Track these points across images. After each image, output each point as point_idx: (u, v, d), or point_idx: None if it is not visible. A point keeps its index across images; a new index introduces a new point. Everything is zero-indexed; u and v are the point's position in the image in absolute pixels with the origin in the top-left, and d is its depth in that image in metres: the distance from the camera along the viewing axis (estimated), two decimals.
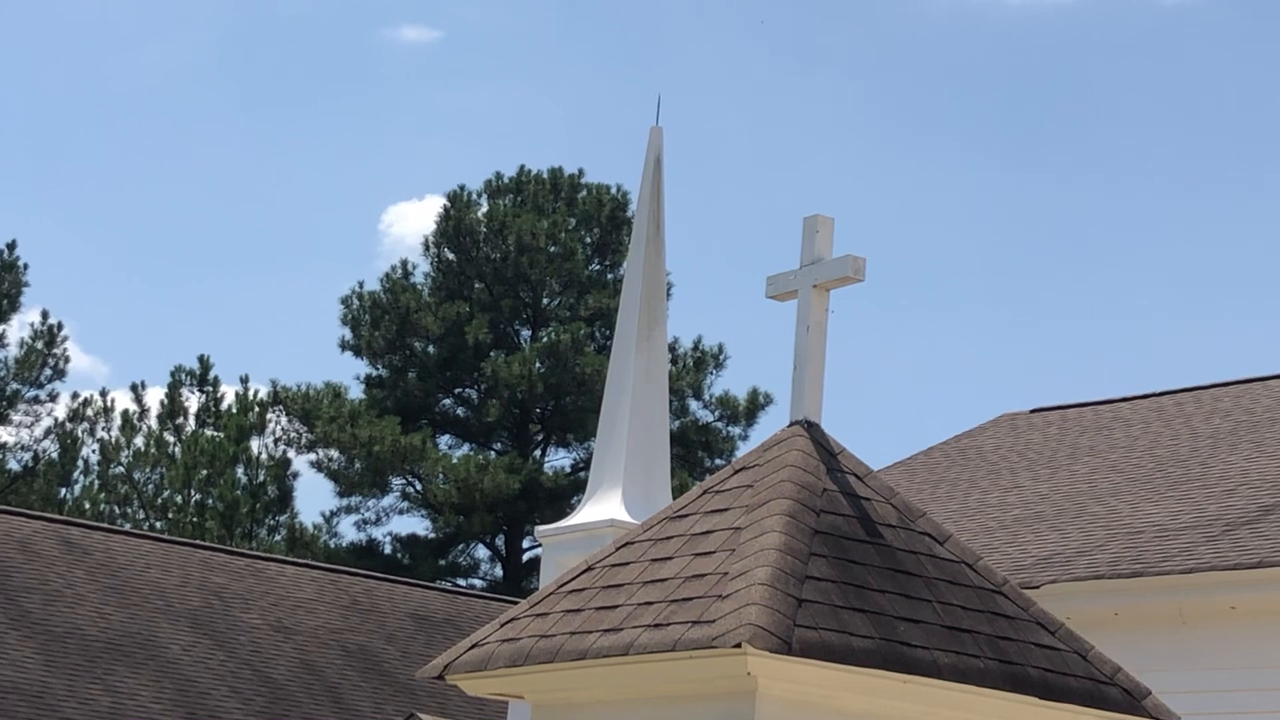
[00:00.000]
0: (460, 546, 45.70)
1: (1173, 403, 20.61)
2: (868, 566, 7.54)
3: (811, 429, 8.12)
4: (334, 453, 43.83)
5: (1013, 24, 58.97)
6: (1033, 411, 22.36)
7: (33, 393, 44.09)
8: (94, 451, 44.28)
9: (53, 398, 44.29)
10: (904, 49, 59.81)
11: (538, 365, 43.74)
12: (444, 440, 45.81)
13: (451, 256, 45.83)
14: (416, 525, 45.70)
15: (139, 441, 44.32)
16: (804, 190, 55.78)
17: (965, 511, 18.51)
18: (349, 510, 44.99)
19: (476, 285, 45.64)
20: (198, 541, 28.92)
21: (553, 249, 45.30)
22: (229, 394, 45.03)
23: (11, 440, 43.84)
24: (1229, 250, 56.91)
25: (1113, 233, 58.16)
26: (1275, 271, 56.41)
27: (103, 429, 44.50)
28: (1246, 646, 14.54)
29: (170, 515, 42.98)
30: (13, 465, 43.83)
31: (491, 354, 44.43)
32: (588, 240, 46.18)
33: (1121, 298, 57.79)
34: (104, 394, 44.93)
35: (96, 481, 43.92)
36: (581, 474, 42.51)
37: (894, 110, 59.75)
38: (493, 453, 45.06)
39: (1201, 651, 14.72)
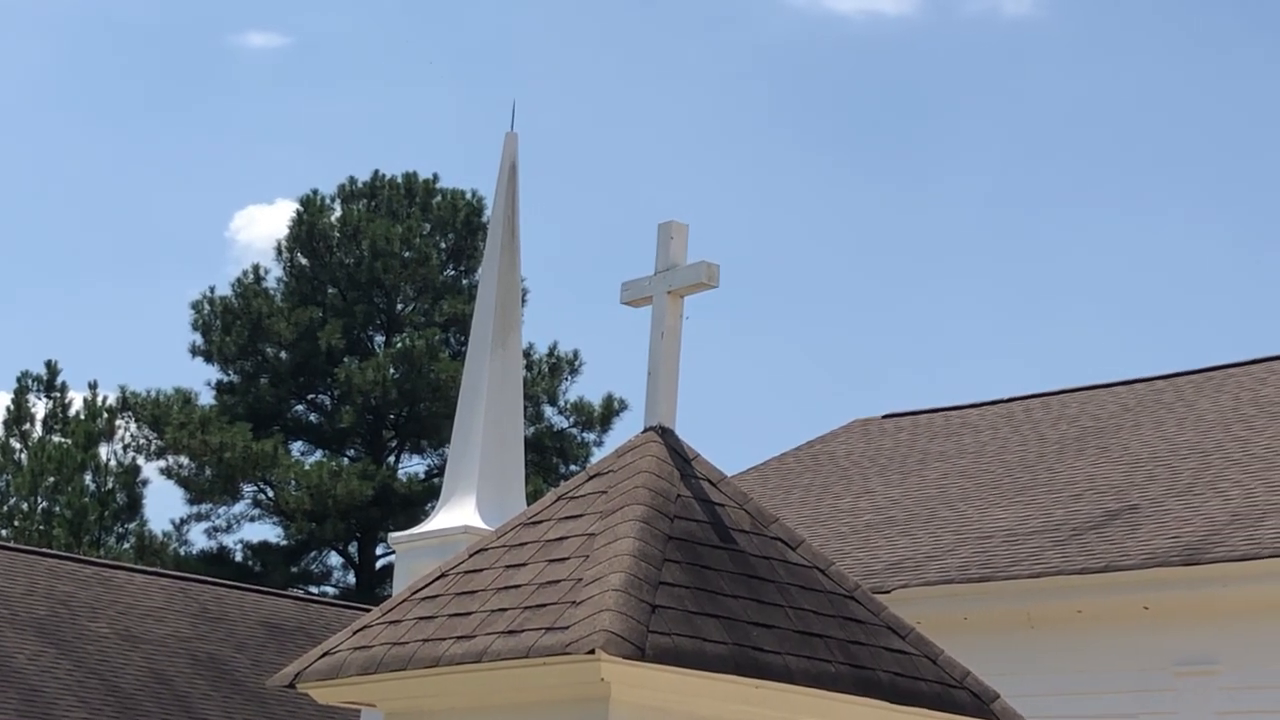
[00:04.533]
0: (313, 554, 45.36)
1: (1021, 409, 20.88)
2: (721, 572, 7.56)
3: (666, 435, 8.14)
4: (184, 459, 43.34)
5: (854, 36, 59.54)
6: (884, 417, 22.56)
7: None
8: None
9: None
10: (751, 59, 60.20)
11: (392, 371, 43.51)
12: (296, 447, 45.44)
13: (304, 261, 45.49)
14: (268, 532, 45.37)
15: None
16: (659, 197, 55.95)
17: (818, 517, 18.64)
18: (199, 517, 44.53)
19: (330, 290, 45.33)
20: (44, 549, 28.46)
21: (407, 254, 45.10)
22: (77, 400, 44.42)
23: None
24: (1074, 258, 57.79)
25: (960, 240, 58.87)
26: (1117, 280, 57.37)
27: None
28: (1093, 649, 14.74)
29: (16, 523, 42.26)
30: None
31: (345, 360, 44.14)
32: (442, 246, 46.01)
33: (971, 305, 58.51)
34: None
35: None
36: (436, 480, 42.33)
37: (746, 119, 60.11)
38: (346, 459, 44.76)
39: (1049, 655, 14.91)
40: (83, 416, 43.75)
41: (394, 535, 17.25)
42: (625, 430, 45.75)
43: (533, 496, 22.62)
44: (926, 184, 59.20)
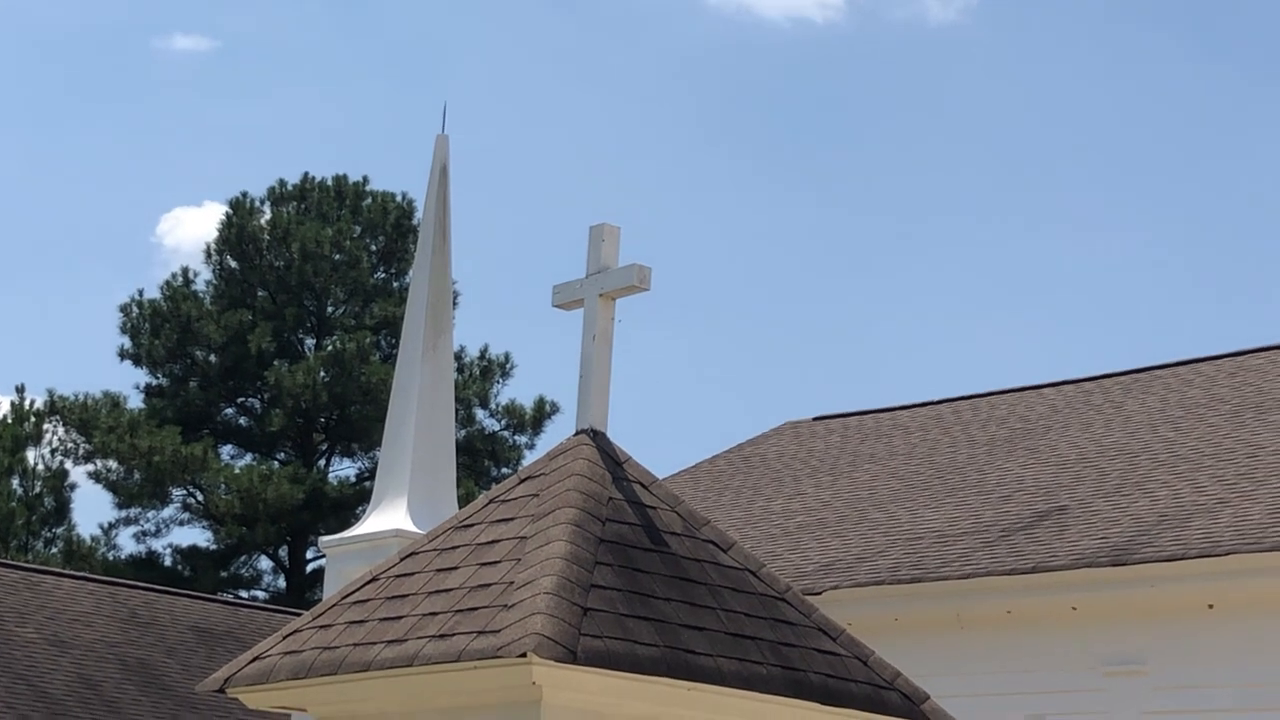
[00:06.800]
0: (242, 558, 45.13)
1: (951, 410, 20.98)
2: (653, 575, 7.57)
3: (597, 437, 8.14)
4: (113, 463, 43.05)
5: (782, 43, 59.70)
6: (815, 419, 22.63)
7: None
8: None
9: None
10: (681, 65, 60.29)
11: (322, 374, 43.33)
12: (226, 450, 45.22)
13: (234, 264, 45.28)
14: (198, 536, 45.12)
15: None
16: (591, 200, 55.98)
17: (749, 519, 18.68)
18: (128, 522, 44.24)
19: (260, 293, 45.12)
20: None
21: (337, 257, 44.95)
22: (3, 404, 44.09)
23: None
24: (1004, 261, 58.12)
25: (889, 243, 59.12)
26: (1045, 283, 57.74)
27: None
28: (1023, 650, 14.83)
29: None
30: None
31: (275, 363, 43.94)
32: (373, 248, 45.87)
33: (900, 307, 58.77)
34: None
35: None
36: (366, 484, 42.19)
37: (676, 124, 60.19)
38: (276, 463, 44.55)
39: (979, 655, 14.99)
40: (10, 420, 43.42)
41: (324, 539, 17.17)
42: (557, 433, 45.78)
43: (464, 500, 22.58)
44: (854, 188, 59.46)
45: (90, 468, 43.62)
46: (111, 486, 43.54)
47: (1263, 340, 19.34)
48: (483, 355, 45.59)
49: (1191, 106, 55.72)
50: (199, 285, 45.28)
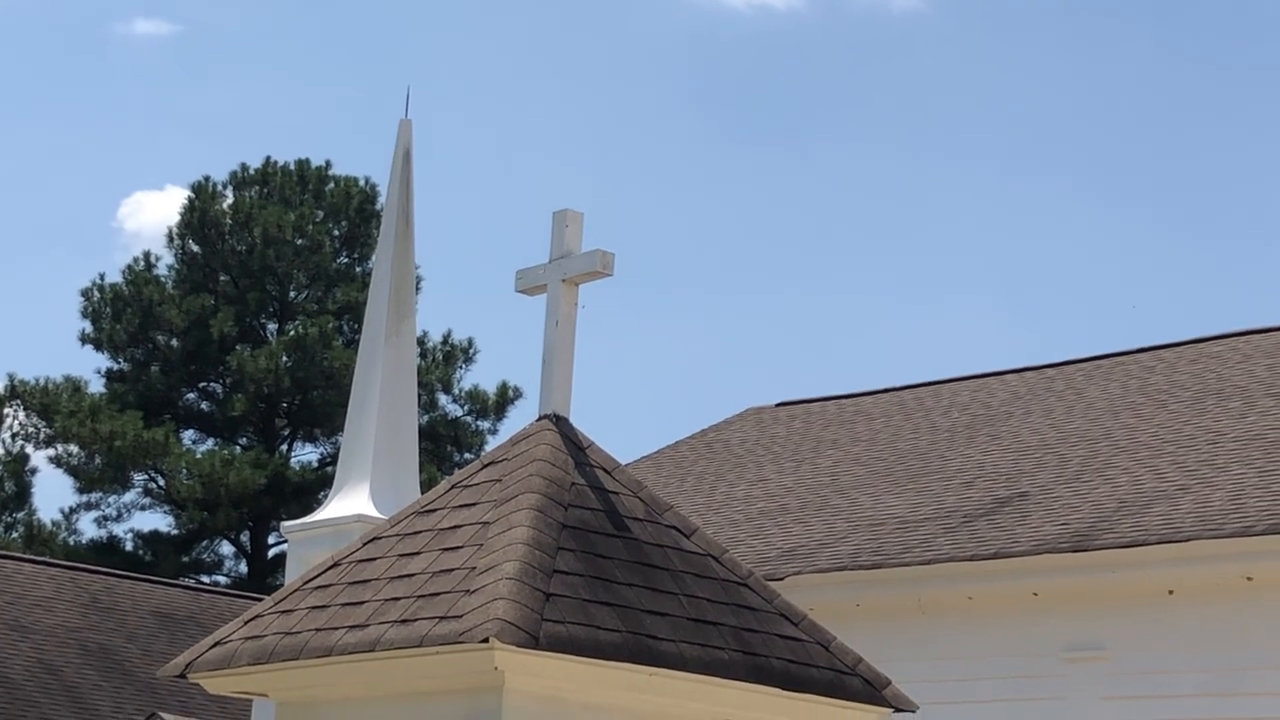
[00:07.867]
0: (204, 543, 45.03)
1: (913, 397, 21.02)
2: (615, 560, 7.58)
3: (560, 423, 8.14)
4: (74, 448, 42.91)
5: (746, 30, 59.72)
6: (778, 405, 22.65)
7: None
8: None
9: None
10: (645, 51, 60.27)
11: (284, 359, 43.23)
12: (188, 435, 45.10)
13: (196, 248, 45.13)
14: (159, 521, 45.01)
15: None
16: (554, 185, 55.94)
17: (712, 504, 18.70)
18: (89, 506, 44.11)
19: (222, 278, 44.99)
20: None
21: (300, 242, 44.82)
22: None
23: None
24: (966, 247, 58.24)
25: (853, 230, 59.19)
26: (1007, 269, 57.88)
27: None
28: (984, 635, 14.88)
29: None
30: None
31: (237, 347, 43.83)
32: (336, 233, 45.77)
33: (863, 293, 58.86)
34: None
35: None
36: (329, 469, 42.12)
37: (640, 109, 60.18)
38: (238, 447, 44.45)
39: (941, 641, 15.03)
40: None
41: (286, 524, 17.13)
42: (520, 418, 45.73)
43: (427, 485, 22.51)
44: (818, 175, 59.52)
45: (51, 452, 43.51)
46: (72, 471, 43.39)
47: (1224, 327, 19.43)
48: (445, 340, 45.54)
49: (1155, 93, 55.91)
50: (160, 269, 45.17)
